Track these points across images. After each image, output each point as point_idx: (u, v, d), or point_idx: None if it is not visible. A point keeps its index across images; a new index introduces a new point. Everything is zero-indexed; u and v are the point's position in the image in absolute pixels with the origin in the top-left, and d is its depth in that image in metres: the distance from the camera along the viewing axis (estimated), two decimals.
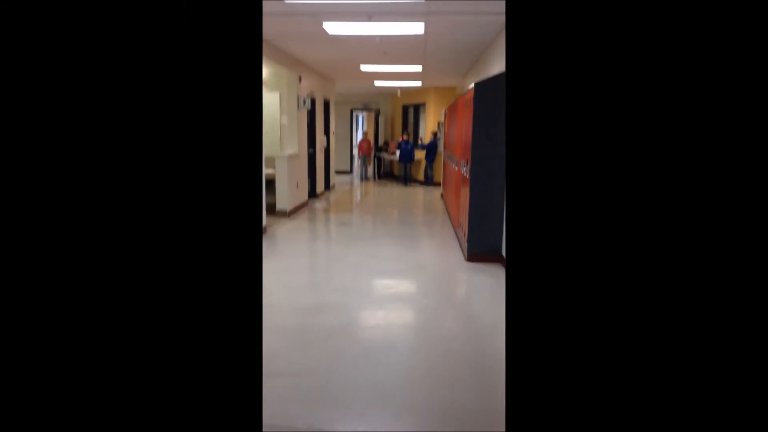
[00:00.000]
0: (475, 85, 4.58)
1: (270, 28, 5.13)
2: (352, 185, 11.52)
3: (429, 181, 11.32)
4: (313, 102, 8.28)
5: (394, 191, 10.47)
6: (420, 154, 11.51)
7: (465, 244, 4.93)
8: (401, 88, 11.56)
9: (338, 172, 12.83)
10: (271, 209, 6.88)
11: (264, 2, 3.98)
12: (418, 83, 10.43)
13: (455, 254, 5.10)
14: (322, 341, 2.96)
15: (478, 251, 4.76)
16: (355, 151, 13.40)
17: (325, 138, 9.54)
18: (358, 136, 13.50)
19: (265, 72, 6.99)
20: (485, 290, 4.00)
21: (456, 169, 5.98)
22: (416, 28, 5.01)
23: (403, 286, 4.16)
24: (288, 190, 7.01)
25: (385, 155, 12.79)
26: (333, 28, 5.03)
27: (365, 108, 13.68)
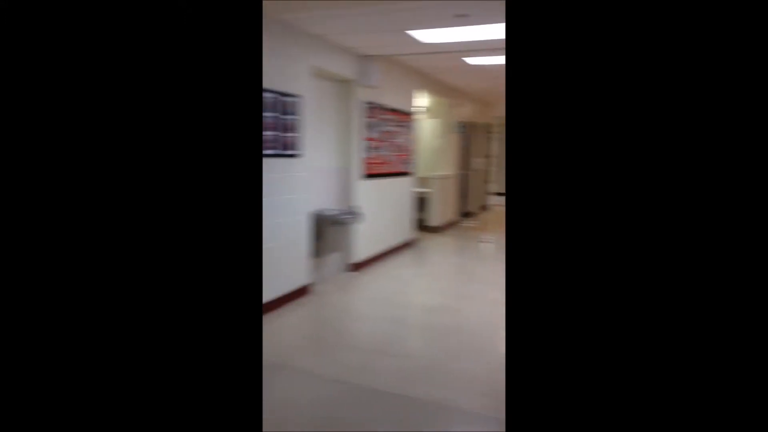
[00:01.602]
0: None
1: (421, 62, 5.88)
2: None
3: None
4: (470, 126, 8.83)
5: None
6: None
7: None
8: None
9: (500, 194, 13.05)
10: (422, 225, 7.57)
11: (407, 41, 4.71)
12: None
13: None
14: (426, 331, 3.49)
15: None
16: None
17: (482, 161, 10.00)
18: None
19: (426, 101, 7.80)
20: None
21: None
22: None
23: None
24: (439, 208, 7.65)
25: None
26: (472, 60, 5.56)
27: None
